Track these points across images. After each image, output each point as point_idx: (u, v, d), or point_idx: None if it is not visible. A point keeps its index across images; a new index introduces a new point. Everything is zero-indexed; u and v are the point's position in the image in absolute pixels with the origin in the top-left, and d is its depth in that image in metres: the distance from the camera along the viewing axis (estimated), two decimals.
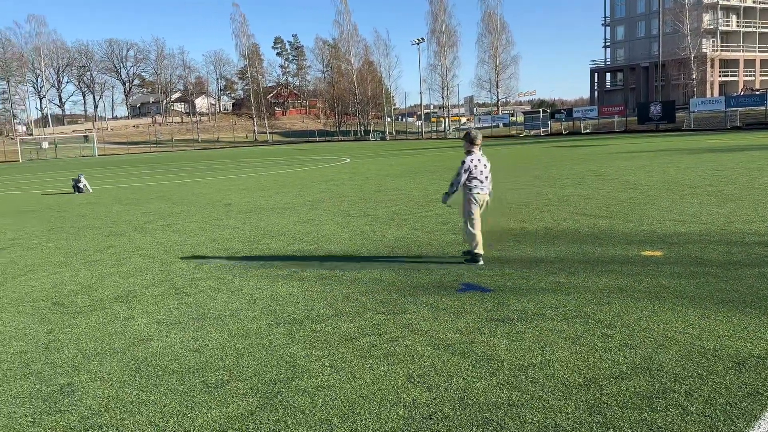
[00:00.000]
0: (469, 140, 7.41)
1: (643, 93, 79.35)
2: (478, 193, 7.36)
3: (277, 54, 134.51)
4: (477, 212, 7.41)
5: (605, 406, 3.73)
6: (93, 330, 5.72)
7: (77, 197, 19.70)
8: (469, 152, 7.41)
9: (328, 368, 4.52)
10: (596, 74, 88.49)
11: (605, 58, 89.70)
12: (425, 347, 4.82)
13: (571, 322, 5.23)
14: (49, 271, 8.46)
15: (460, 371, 4.33)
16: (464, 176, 7.33)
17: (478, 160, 7.35)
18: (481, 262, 7.44)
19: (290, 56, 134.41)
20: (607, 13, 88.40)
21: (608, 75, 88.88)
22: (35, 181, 30.20)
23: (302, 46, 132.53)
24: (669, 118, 53.55)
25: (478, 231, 7.39)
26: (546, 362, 4.41)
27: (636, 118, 58.01)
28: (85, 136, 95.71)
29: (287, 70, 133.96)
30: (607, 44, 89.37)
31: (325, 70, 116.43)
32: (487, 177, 7.42)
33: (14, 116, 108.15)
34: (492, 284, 6.53)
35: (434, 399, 3.93)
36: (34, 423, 3.91)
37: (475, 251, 7.45)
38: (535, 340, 4.84)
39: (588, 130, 60.28)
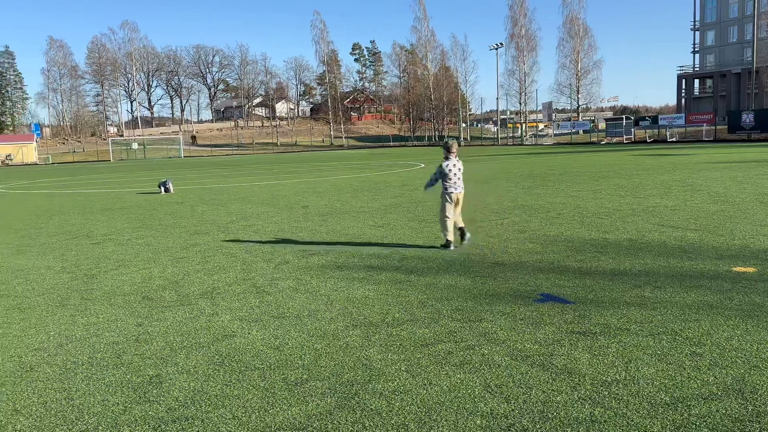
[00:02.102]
0: (446, 149, 8.99)
1: (734, 101, 75.47)
2: (452, 193, 8.95)
3: (355, 60, 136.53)
4: (450, 208, 8.95)
5: (693, 427, 3.57)
6: (180, 324, 5.97)
7: (163, 197, 20.63)
8: (446, 158, 8.97)
9: (404, 373, 4.54)
10: (684, 80, 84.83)
11: (693, 64, 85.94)
12: (503, 357, 4.76)
13: (658, 338, 5.03)
14: (138, 266, 8.89)
15: (540, 383, 4.25)
16: (438, 176, 9.04)
17: (453, 165, 8.94)
18: (452, 248, 9.01)
19: (368, 62, 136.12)
20: (697, 18, 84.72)
21: (696, 81, 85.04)
22: (125, 180, 31.83)
23: (379, 51, 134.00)
24: (762, 127, 50.75)
25: (450, 223, 8.97)
26: (630, 379, 4.26)
27: (726, 126, 55.32)
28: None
29: (364, 75, 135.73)
30: (695, 49, 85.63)
31: (401, 75, 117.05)
32: (459, 179, 8.99)
33: (107, 118, 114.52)
34: (572, 296, 6.37)
35: (513, 410, 3.88)
36: (125, 411, 4.12)
37: (447, 239, 9.04)
38: (618, 355, 4.69)
39: (674, 139, 57.93)
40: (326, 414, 3.93)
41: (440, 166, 8.99)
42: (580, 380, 4.27)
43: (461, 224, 9.27)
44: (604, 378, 4.29)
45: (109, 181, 32.51)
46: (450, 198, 8.96)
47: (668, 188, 16.26)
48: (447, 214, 9.00)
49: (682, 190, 15.74)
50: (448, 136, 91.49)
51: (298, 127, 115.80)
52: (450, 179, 8.96)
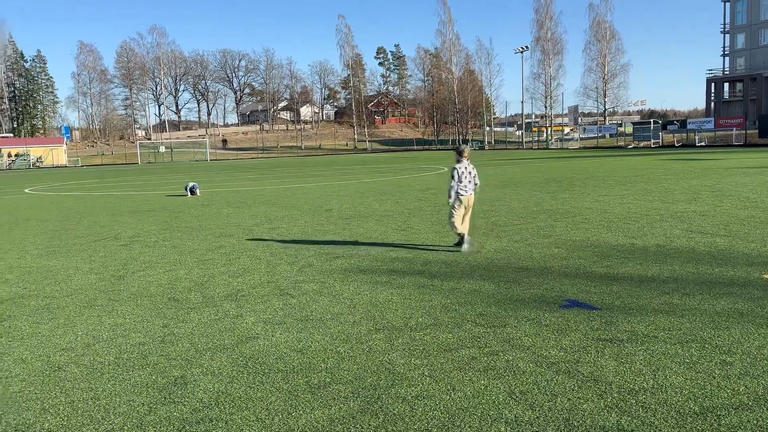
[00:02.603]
0: (458, 153, 9.40)
1: (765, 104, 74.02)
2: (462, 195, 9.24)
3: (379, 64, 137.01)
4: (459, 209, 9.28)
5: None
6: (205, 326, 6.02)
7: (190, 199, 20.85)
8: (458, 161, 9.32)
9: (428, 378, 4.51)
10: (713, 84, 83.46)
11: (723, 67, 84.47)
12: (527, 364, 4.71)
13: (686, 346, 4.94)
14: (165, 268, 8.99)
15: (565, 391, 4.19)
16: (455, 181, 9.22)
17: (465, 168, 9.26)
18: (466, 245, 9.29)
19: (392, 66, 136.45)
20: (727, 20, 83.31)
21: (726, 85, 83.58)
22: (153, 183, 32.24)
23: (404, 55, 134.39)
24: None
25: (458, 222, 9.29)
26: (658, 387, 4.18)
27: (757, 131, 54.25)
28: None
29: (388, 79, 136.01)
30: (725, 53, 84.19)
31: (425, 79, 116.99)
32: (470, 181, 9.33)
33: (135, 121, 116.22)
34: (599, 302, 6.28)
35: (537, 417, 3.83)
36: (150, 412, 4.15)
37: (458, 233, 9.33)
38: (646, 363, 4.60)
39: (703, 143, 57.02)
40: (349, 418, 3.92)
41: (454, 169, 9.30)
42: (606, 388, 4.20)
43: (466, 230, 9.46)
44: (631, 386, 4.22)
45: (137, 183, 32.96)
46: (460, 200, 9.26)
47: (697, 193, 15.99)
48: (454, 215, 9.31)
49: (711, 195, 15.46)
50: (463, 140, 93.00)
51: (323, 130, 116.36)
52: (461, 182, 9.25)
